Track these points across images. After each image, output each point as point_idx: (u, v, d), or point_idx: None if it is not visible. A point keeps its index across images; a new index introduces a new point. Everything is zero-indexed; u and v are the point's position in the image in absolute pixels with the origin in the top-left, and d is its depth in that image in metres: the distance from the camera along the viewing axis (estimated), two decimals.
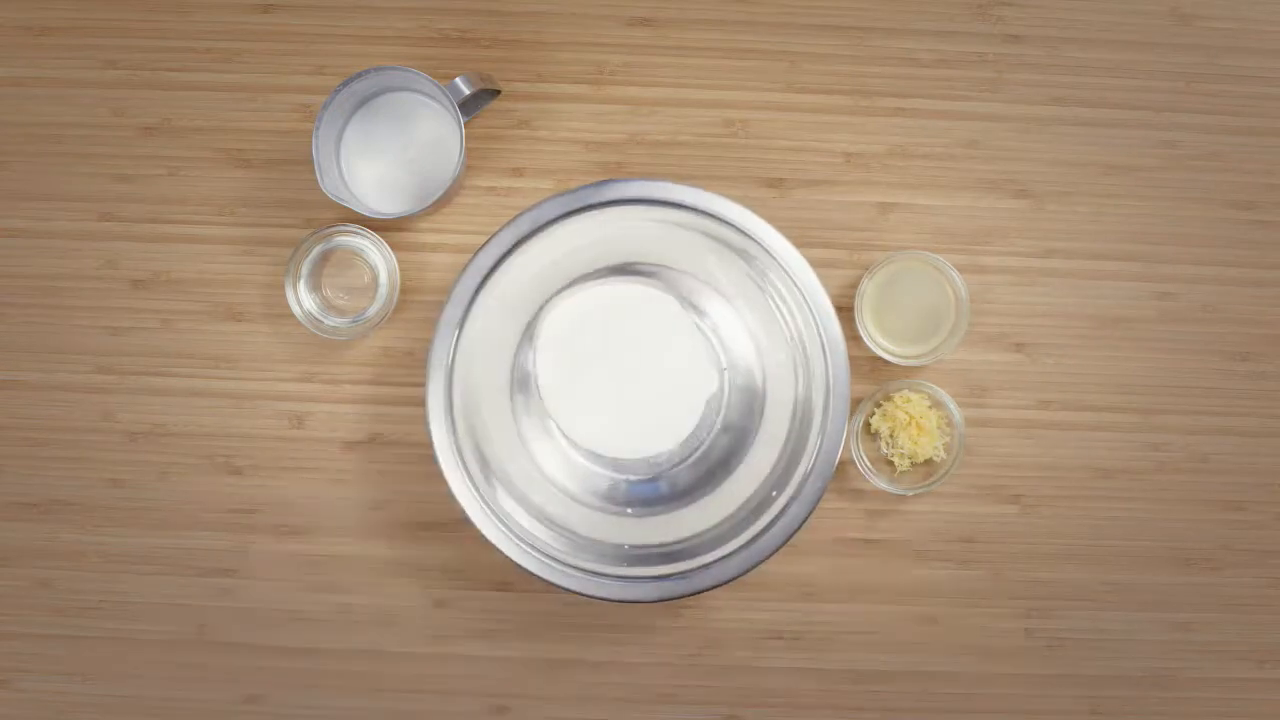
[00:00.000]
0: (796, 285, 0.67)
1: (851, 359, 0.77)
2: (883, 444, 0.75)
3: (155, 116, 0.79)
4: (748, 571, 0.66)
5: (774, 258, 0.67)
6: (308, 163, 0.78)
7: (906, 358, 0.75)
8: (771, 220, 0.76)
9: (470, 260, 0.67)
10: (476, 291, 0.67)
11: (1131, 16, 0.79)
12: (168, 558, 0.76)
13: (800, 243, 0.77)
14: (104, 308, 0.78)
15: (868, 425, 0.75)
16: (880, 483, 0.74)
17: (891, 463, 0.76)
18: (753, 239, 0.67)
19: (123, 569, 0.76)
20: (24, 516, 0.77)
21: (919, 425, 0.74)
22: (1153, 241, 0.78)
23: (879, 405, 0.75)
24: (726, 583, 0.66)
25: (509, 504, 0.69)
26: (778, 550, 0.66)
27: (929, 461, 0.75)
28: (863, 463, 0.74)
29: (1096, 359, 0.78)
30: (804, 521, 0.67)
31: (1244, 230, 0.79)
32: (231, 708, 0.76)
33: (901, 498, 0.76)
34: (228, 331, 0.77)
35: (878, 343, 0.75)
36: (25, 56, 0.79)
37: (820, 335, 0.67)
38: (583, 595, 0.66)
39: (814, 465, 0.67)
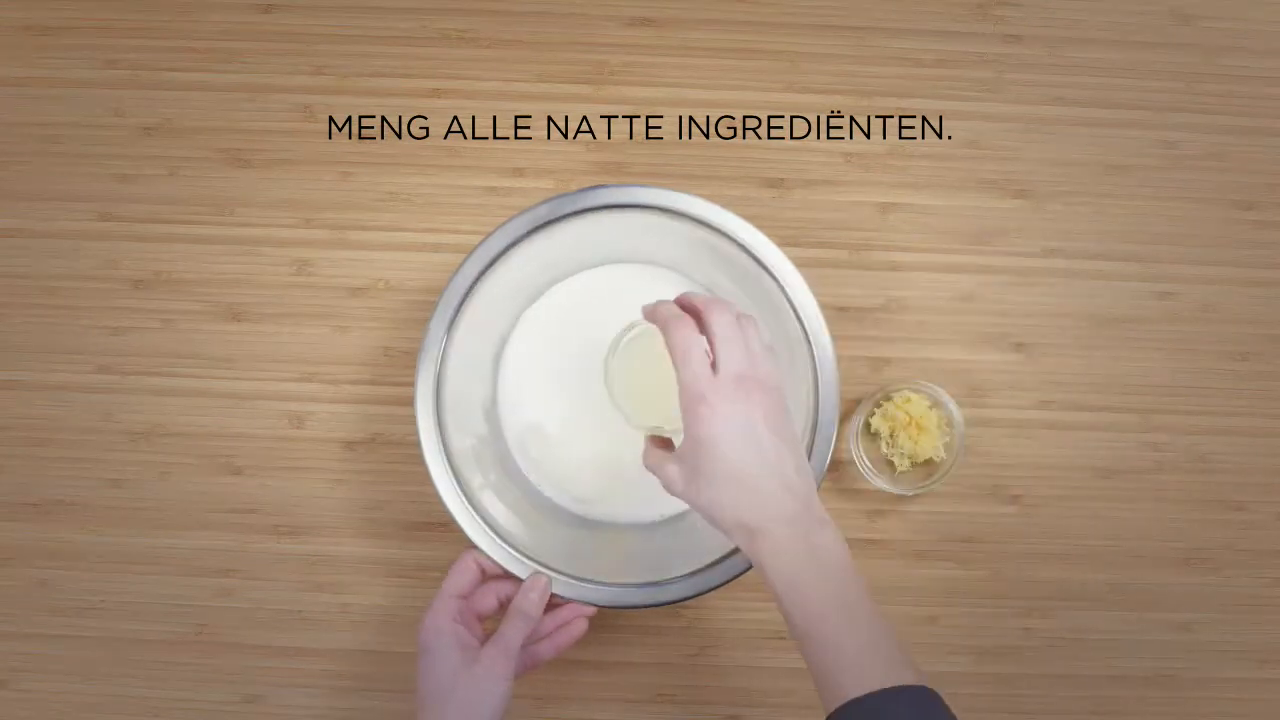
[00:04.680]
0: (784, 290, 0.67)
1: (851, 359, 0.77)
2: (883, 444, 0.75)
3: (155, 116, 0.79)
4: (746, 572, 0.66)
5: (763, 264, 0.67)
6: (307, 163, 0.78)
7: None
8: (771, 220, 0.77)
9: (462, 263, 0.67)
10: (468, 294, 0.67)
11: (1131, 16, 0.80)
12: (168, 558, 0.76)
13: (800, 243, 0.77)
14: (104, 308, 0.78)
15: (868, 425, 0.75)
16: (880, 483, 0.74)
17: (891, 463, 0.76)
18: (745, 248, 0.67)
19: (123, 569, 0.76)
20: (24, 516, 0.77)
21: (919, 425, 0.74)
22: (1153, 241, 0.78)
23: (879, 405, 0.75)
24: (717, 588, 0.66)
25: (497, 508, 0.69)
26: None
27: (929, 461, 0.75)
28: (863, 463, 0.74)
29: (1096, 359, 0.78)
30: None
31: (1244, 230, 0.79)
32: (231, 708, 0.76)
33: (901, 498, 0.76)
34: (228, 331, 0.77)
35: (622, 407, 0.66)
36: (25, 56, 0.79)
37: (809, 339, 0.67)
38: (574, 601, 0.66)
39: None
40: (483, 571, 0.67)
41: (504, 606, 0.66)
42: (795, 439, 0.58)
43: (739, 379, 0.56)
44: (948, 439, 0.74)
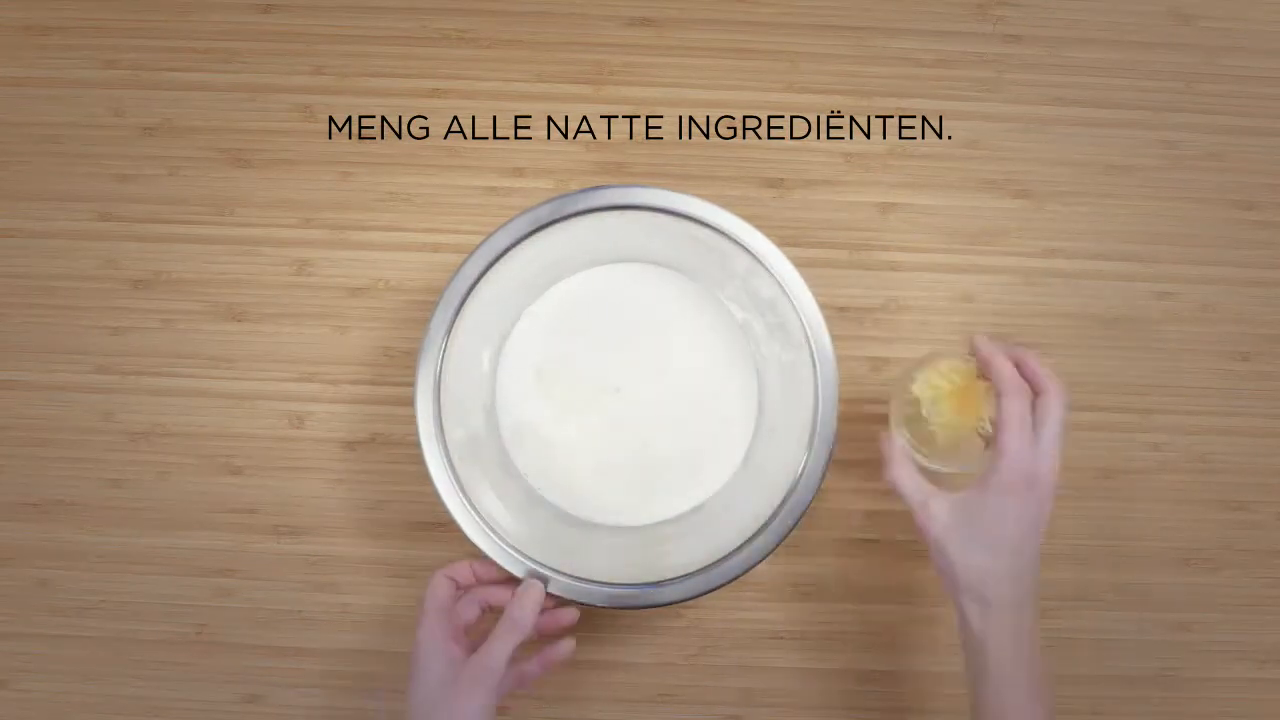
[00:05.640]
0: (784, 290, 0.67)
1: (851, 359, 0.77)
2: (924, 409, 0.68)
3: (155, 116, 0.79)
4: (746, 572, 0.66)
5: (763, 264, 0.67)
6: (307, 163, 0.78)
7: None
8: (771, 220, 0.77)
9: (463, 263, 0.67)
10: (468, 294, 0.67)
11: (1131, 16, 0.80)
12: (168, 558, 0.76)
13: (800, 243, 0.77)
14: (104, 308, 0.78)
15: (908, 392, 0.68)
16: (920, 459, 0.68)
17: (932, 435, 0.68)
18: (745, 248, 0.67)
19: (123, 569, 0.76)
20: (24, 516, 0.77)
21: (965, 394, 0.67)
22: (1153, 241, 0.78)
23: (921, 372, 0.68)
24: (717, 588, 0.66)
25: (497, 508, 0.69)
26: (775, 550, 0.66)
27: (963, 443, 0.68)
28: (903, 436, 0.68)
29: (1096, 359, 0.78)
30: (798, 522, 0.67)
31: (1244, 230, 0.79)
32: (231, 708, 0.76)
33: (898, 500, 0.76)
34: (228, 331, 0.77)
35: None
36: (25, 56, 0.79)
37: (809, 339, 0.67)
38: (572, 602, 0.66)
39: (807, 466, 0.67)
40: (457, 585, 0.66)
41: (489, 613, 0.66)
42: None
43: (1048, 471, 0.61)
44: (994, 413, 0.65)
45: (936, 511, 0.63)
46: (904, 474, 0.64)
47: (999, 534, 0.61)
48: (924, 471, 0.69)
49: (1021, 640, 0.60)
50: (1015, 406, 0.61)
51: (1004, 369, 0.63)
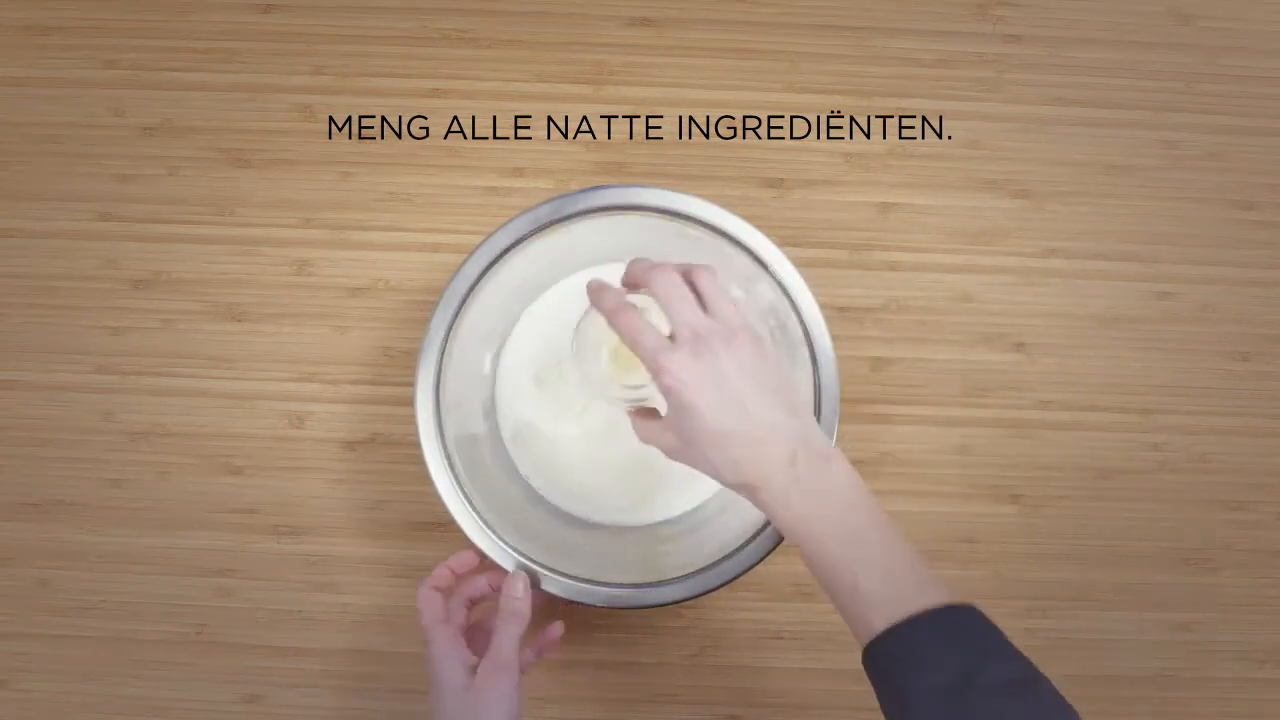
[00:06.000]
0: (784, 290, 0.67)
1: (851, 359, 0.77)
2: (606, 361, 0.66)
3: (155, 116, 0.79)
4: (746, 572, 0.66)
5: (764, 264, 0.67)
6: (307, 163, 0.78)
7: None
8: (771, 220, 0.77)
9: (463, 263, 0.67)
10: (468, 294, 0.67)
11: (1131, 16, 0.80)
12: (168, 558, 0.76)
13: (800, 243, 0.77)
14: (104, 308, 0.78)
15: (599, 359, 0.65)
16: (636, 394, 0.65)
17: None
18: (745, 248, 0.67)
19: (123, 569, 0.76)
20: (24, 516, 0.77)
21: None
22: (1153, 241, 0.78)
23: (589, 337, 0.65)
24: (717, 588, 0.66)
25: (496, 508, 0.69)
26: (774, 550, 0.66)
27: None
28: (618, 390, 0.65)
29: (1096, 359, 0.78)
30: None
31: (1244, 230, 0.79)
32: (231, 708, 0.76)
33: (890, 495, 0.76)
34: (228, 331, 0.77)
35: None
36: (25, 56, 0.79)
37: (809, 339, 0.67)
38: (572, 602, 0.66)
39: None
40: (454, 574, 0.66)
41: (475, 607, 0.66)
42: (780, 377, 0.56)
43: (695, 338, 0.55)
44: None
45: (669, 442, 0.58)
46: (644, 429, 0.59)
47: (699, 428, 0.55)
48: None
49: (829, 481, 0.54)
50: (622, 325, 0.56)
51: (598, 302, 0.58)
